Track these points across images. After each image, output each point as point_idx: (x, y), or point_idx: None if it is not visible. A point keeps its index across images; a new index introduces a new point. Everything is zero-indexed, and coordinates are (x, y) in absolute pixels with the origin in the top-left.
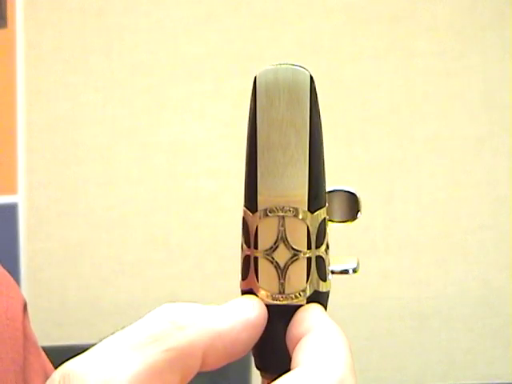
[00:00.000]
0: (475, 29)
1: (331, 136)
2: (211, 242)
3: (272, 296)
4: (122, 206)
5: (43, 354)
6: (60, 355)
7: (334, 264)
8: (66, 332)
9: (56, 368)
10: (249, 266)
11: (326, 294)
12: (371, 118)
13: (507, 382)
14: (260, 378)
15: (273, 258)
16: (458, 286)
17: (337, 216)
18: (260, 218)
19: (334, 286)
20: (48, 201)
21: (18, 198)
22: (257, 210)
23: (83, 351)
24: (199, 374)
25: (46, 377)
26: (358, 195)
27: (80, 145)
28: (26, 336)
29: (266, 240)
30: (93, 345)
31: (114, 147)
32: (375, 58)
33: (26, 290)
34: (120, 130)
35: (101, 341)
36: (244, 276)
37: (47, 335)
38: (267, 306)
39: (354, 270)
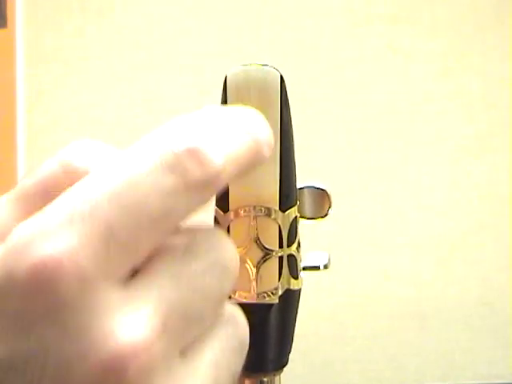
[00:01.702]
0: (475, 29)
1: (331, 136)
2: None
3: (244, 295)
4: None
5: None
6: None
7: (305, 260)
8: None
9: None
10: None
11: (298, 291)
12: (371, 118)
13: (507, 382)
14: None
15: (245, 258)
16: (458, 286)
17: (308, 213)
18: (232, 217)
19: (334, 285)
20: None
21: None
22: (228, 210)
23: None
24: None
25: None
26: (328, 191)
27: None
28: None
29: (237, 239)
30: None
31: (114, 147)
32: (375, 57)
33: None
34: (120, 130)
35: None
36: None
37: None
38: (240, 304)
39: (325, 266)
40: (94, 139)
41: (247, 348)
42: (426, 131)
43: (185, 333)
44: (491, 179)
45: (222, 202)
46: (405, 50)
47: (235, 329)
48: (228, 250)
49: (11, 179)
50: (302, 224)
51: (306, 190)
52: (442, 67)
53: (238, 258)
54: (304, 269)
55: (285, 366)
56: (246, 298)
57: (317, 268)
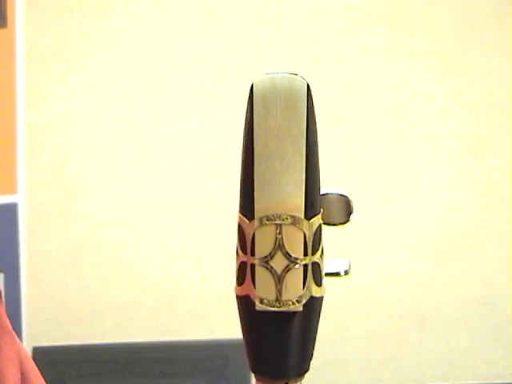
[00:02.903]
0: (475, 29)
1: (331, 136)
2: (211, 241)
3: (269, 303)
4: (122, 206)
5: (17, 340)
6: (60, 355)
7: (326, 267)
8: (65, 332)
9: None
10: (245, 273)
11: (321, 298)
12: (371, 118)
13: (507, 382)
14: None
15: (270, 266)
16: (458, 286)
17: (330, 219)
18: (257, 225)
19: (334, 285)
20: (48, 201)
21: (18, 198)
22: (254, 218)
23: (83, 351)
24: (199, 374)
25: (21, 364)
26: (349, 198)
27: (80, 145)
28: (1, 324)
29: (263, 247)
30: (93, 345)
31: (114, 147)
32: (375, 57)
33: (26, 290)
34: (120, 130)
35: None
36: (240, 281)
37: (47, 335)
38: (264, 312)
39: (346, 272)
40: (94, 139)
41: None
42: (426, 131)
43: None
44: (491, 179)
45: (248, 210)
46: (405, 50)
47: None
48: None
49: (11, 179)
50: None
51: (328, 196)
52: (442, 67)
53: None
54: (325, 275)
55: (306, 372)
56: (270, 305)
57: (337, 274)
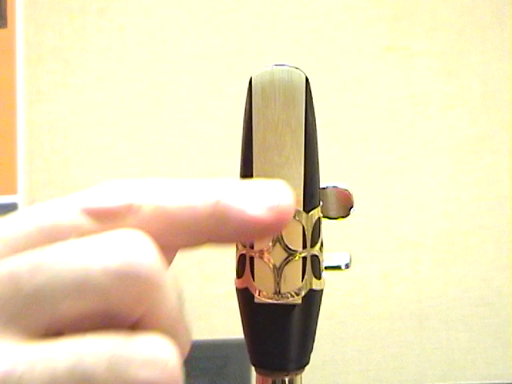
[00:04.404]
0: (475, 29)
1: (331, 136)
2: None
3: (268, 295)
4: None
5: None
6: None
7: (326, 260)
8: None
9: None
10: (244, 265)
11: (321, 291)
12: (371, 118)
13: (507, 381)
14: None
15: (269, 258)
16: (458, 286)
17: (330, 212)
18: None
19: (334, 286)
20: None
21: (18, 198)
22: None
23: None
24: (199, 374)
25: None
26: (350, 191)
27: (80, 145)
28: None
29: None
30: None
31: (114, 147)
32: (375, 57)
33: None
34: (120, 130)
35: None
36: (239, 274)
37: None
38: (263, 304)
39: (347, 266)
40: (94, 139)
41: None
42: (426, 131)
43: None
44: (491, 179)
45: None
46: (405, 50)
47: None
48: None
49: (11, 179)
50: None
51: (328, 189)
52: (442, 67)
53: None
54: (326, 268)
55: (306, 365)
56: (269, 298)
57: (338, 268)
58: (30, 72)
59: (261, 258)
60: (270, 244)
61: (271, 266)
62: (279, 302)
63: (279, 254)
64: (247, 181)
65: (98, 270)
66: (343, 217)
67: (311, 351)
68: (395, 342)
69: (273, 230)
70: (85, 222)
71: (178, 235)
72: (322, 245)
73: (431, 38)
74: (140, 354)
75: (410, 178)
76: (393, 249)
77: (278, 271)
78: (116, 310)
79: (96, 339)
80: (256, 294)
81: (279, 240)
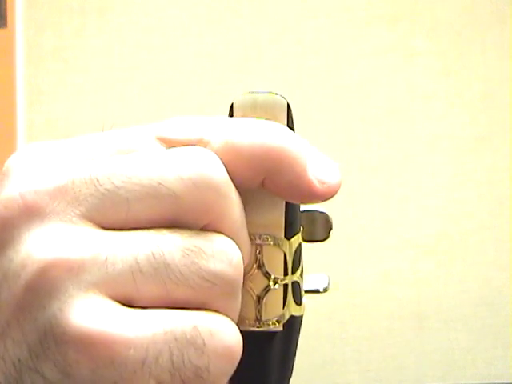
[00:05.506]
0: (475, 29)
1: (331, 136)
2: None
3: (249, 323)
4: None
5: None
6: None
7: (305, 283)
8: None
9: None
10: None
11: (301, 317)
12: (371, 118)
13: (507, 381)
14: None
15: (250, 286)
16: (458, 286)
17: (310, 236)
18: None
19: (334, 286)
20: None
21: None
22: None
23: None
24: None
25: None
26: (329, 215)
27: None
28: None
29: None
30: None
31: None
32: (375, 57)
33: None
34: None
35: None
36: None
37: None
38: (244, 332)
39: (325, 289)
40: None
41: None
42: (426, 131)
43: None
44: (491, 179)
45: None
46: (405, 50)
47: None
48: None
49: None
50: None
51: (306, 213)
52: (442, 67)
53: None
54: (305, 292)
55: None
56: (250, 325)
57: (316, 291)
58: (30, 72)
59: (242, 285)
60: (251, 272)
61: (252, 293)
62: (260, 329)
63: (260, 282)
64: (316, 149)
65: (172, 177)
66: (323, 240)
67: (290, 377)
68: (395, 342)
69: (314, 200)
70: (159, 148)
71: (240, 168)
72: (302, 270)
73: (431, 38)
74: (210, 247)
75: (410, 178)
76: (393, 249)
77: (259, 299)
78: (185, 218)
79: (171, 232)
80: (237, 322)
81: (260, 267)
